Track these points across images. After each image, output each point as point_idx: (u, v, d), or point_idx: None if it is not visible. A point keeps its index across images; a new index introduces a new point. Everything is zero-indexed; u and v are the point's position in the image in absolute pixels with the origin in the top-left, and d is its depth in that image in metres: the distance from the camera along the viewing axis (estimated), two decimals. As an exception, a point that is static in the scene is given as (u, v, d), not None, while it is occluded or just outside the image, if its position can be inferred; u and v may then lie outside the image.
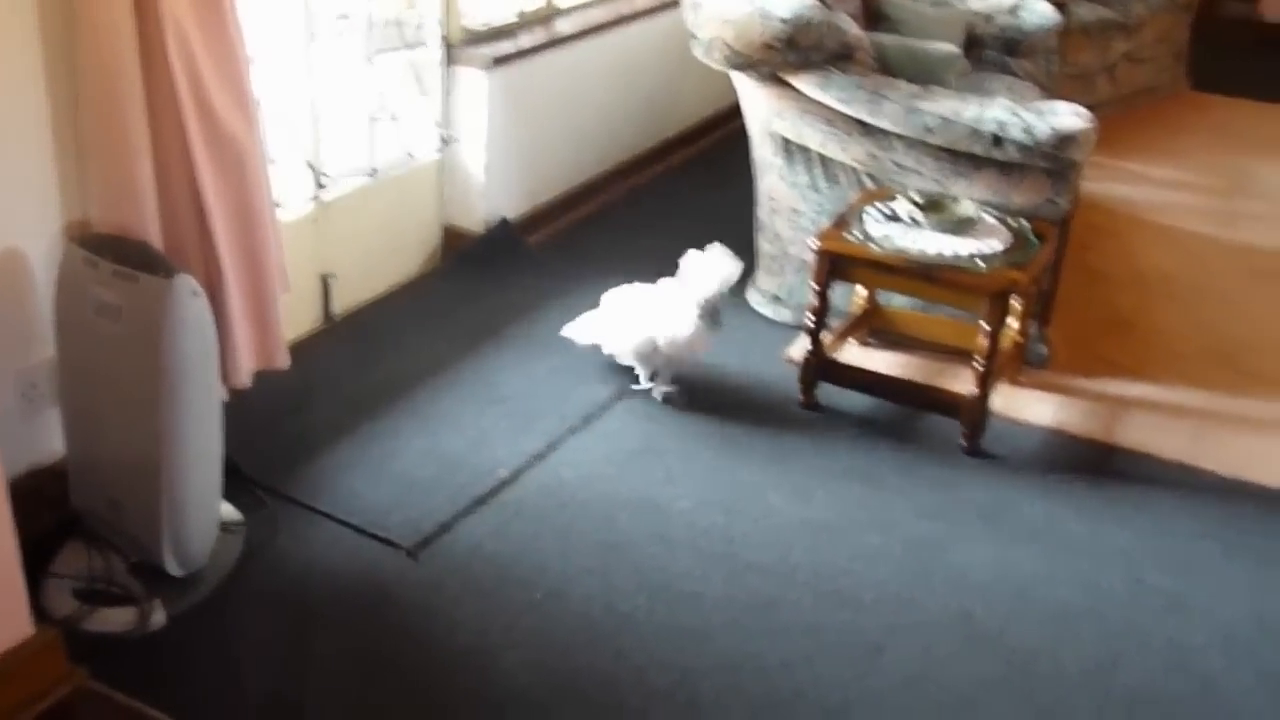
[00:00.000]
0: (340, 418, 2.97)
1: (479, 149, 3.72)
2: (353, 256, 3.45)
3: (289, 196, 3.16)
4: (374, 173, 3.45)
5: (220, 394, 2.42)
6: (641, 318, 3.10)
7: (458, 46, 3.63)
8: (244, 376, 2.53)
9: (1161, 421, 3.12)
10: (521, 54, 3.75)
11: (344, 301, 3.45)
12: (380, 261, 3.58)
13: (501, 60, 3.65)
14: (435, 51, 3.58)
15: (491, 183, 3.80)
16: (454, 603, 2.40)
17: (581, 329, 3.24)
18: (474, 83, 3.65)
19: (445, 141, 3.68)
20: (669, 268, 3.08)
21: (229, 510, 2.56)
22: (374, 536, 2.56)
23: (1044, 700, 2.22)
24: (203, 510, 2.38)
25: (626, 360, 3.16)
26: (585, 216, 4.26)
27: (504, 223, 3.88)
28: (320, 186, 3.27)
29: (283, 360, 2.64)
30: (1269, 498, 2.84)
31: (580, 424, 3.00)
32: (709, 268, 3.03)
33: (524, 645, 2.30)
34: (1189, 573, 2.57)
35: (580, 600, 2.42)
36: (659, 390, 3.11)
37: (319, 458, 2.81)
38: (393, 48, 3.48)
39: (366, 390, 3.10)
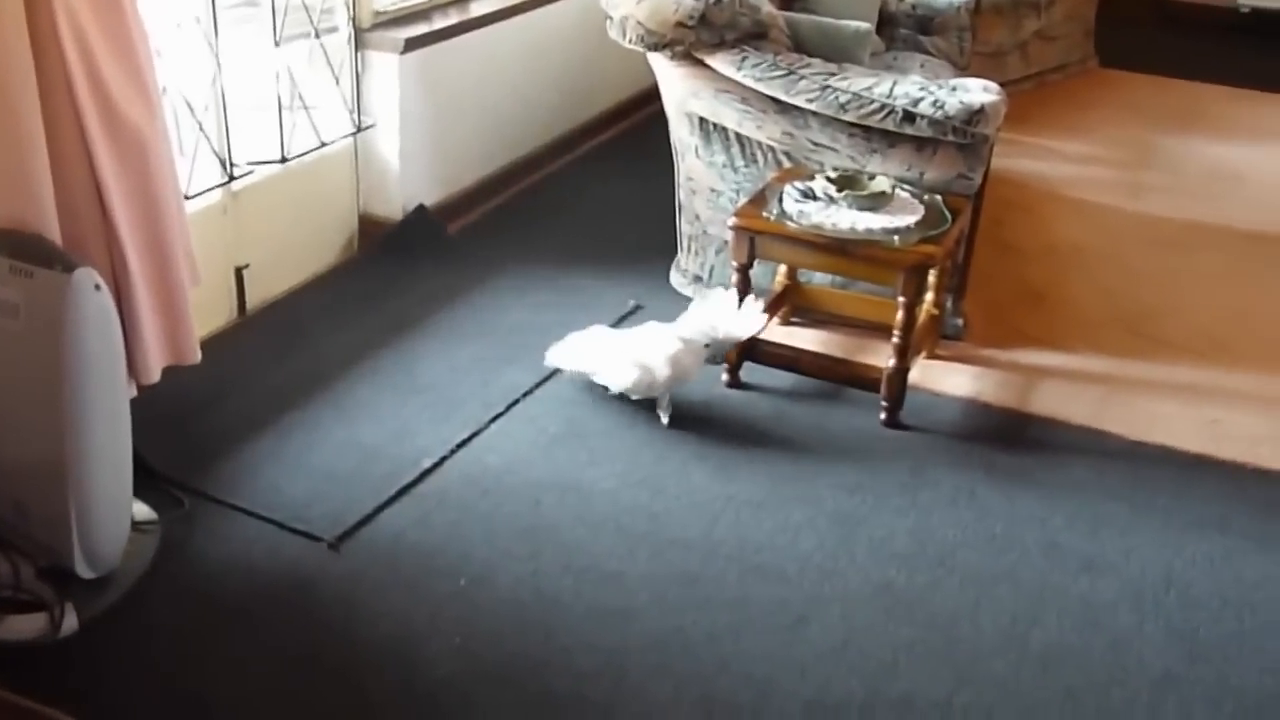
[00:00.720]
0: (257, 412, 2.92)
1: (393, 135, 3.69)
2: (266, 247, 3.40)
3: (198, 187, 3.10)
4: (285, 161, 3.40)
5: (128, 391, 2.37)
6: (636, 346, 2.99)
7: (367, 30, 3.59)
8: (153, 372, 2.47)
9: (1072, 389, 3.19)
10: (434, 37, 3.71)
11: (259, 294, 3.40)
12: (295, 252, 3.53)
13: (414, 43, 3.61)
14: (344, 36, 3.53)
15: (407, 169, 3.76)
16: (378, 594, 2.38)
17: (568, 356, 3.10)
18: (386, 67, 3.61)
19: (358, 128, 3.64)
20: (591, 252, 3.09)
21: (142, 509, 2.51)
22: (294, 530, 2.53)
23: (963, 661, 2.27)
24: (113, 510, 2.33)
25: (620, 389, 3.00)
26: (505, 202, 4.23)
27: (421, 210, 3.84)
28: (230, 176, 3.22)
29: (194, 355, 2.58)
30: (1174, 459, 2.92)
31: (503, 410, 2.99)
32: (731, 320, 2.97)
33: (450, 633, 2.29)
34: (1099, 534, 2.64)
35: (506, 585, 2.42)
36: (665, 415, 2.97)
37: (236, 453, 2.77)
38: (301, 33, 3.43)
39: (284, 383, 3.06)
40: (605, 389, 3.03)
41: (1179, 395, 3.20)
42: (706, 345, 2.94)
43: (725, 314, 2.98)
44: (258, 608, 2.35)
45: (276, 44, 3.32)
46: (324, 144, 3.53)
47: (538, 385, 3.10)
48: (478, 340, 3.30)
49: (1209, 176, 4.72)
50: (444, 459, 2.78)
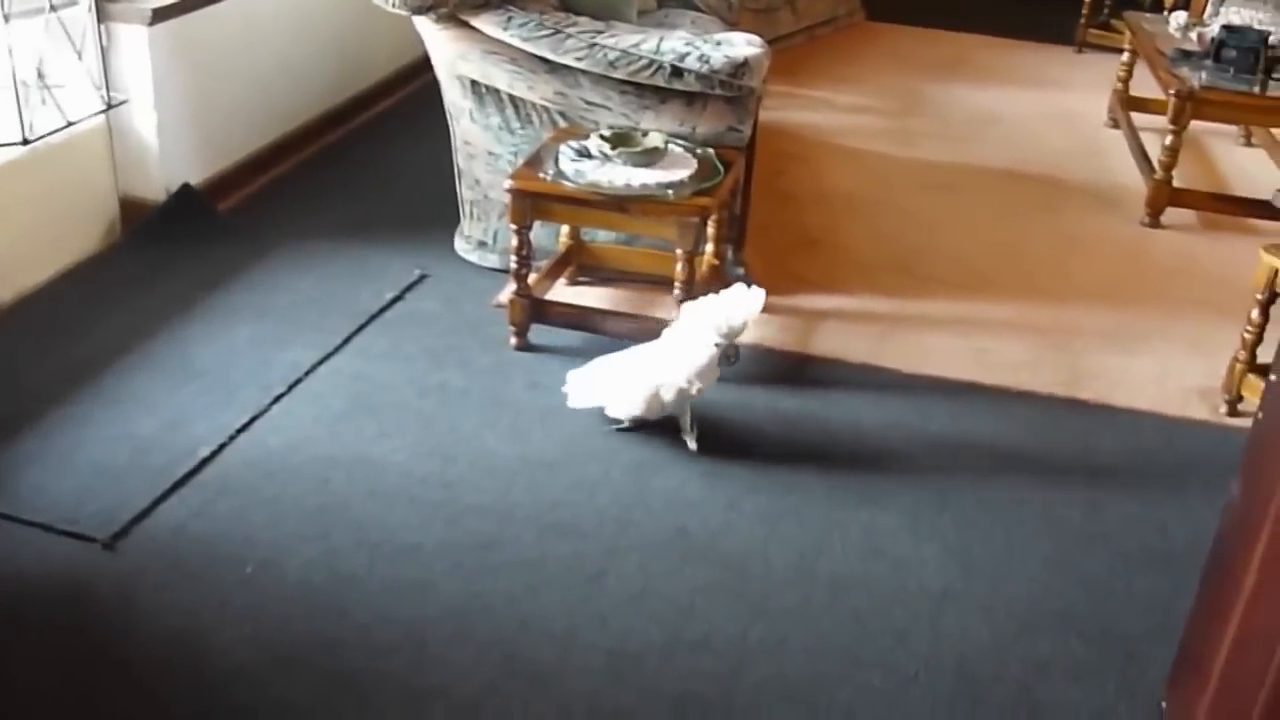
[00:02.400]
0: (18, 410, 2.76)
1: (149, 111, 3.51)
2: (15, 236, 3.19)
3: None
4: (28, 143, 3.18)
5: None
6: (648, 371, 2.77)
7: (111, 1, 3.39)
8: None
9: (850, 328, 3.31)
10: (185, 6, 3.54)
11: (12, 286, 3.19)
12: (49, 240, 3.33)
13: (163, 13, 3.44)
14: (85, 8, 3.33)
15: (167, 147, 3.59)
16: (160, 589, 2.29)
17: (580, 391, 2.86)
18: (134, 40, 3.42)
19: (108, 105, 3.45)
20: (372, 223, 3.01)
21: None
22: (64, 533, 2.40)
23: (755, 597, 2.33)
24: None
25: (638, 414, 2.78)
26: (279, 177, 4.09)
27: (186, 189, 3.67)
28: (-32, 163, 3.01)
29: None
30: (947, 388, 3.07)
31: (285, 390, 2.90)
32: (736, 302, 2.78)
33: (240, 621, 2.22)
34: (880, 465, 2.76)
35: (297, 568, 2.35)
36: (692, 438, 2.79)
37: (-5, 454, 2.61)
38: (36, 7, 3.21)
39: (46, 378, 2.89)
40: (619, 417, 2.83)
41: (949, 328, 3.36)
42: (717, 345, 2.73)
43: (723, 306, 2.77)
44: (31, 615, 2.22)
45: (5, 19, 3.10)
46: (70, 124, 3.32)
47: (320, 362, 3.02)
48: (255, 321, 3.19)
49: (971, 121, 4.95)
50: (223, 445, 2.68)
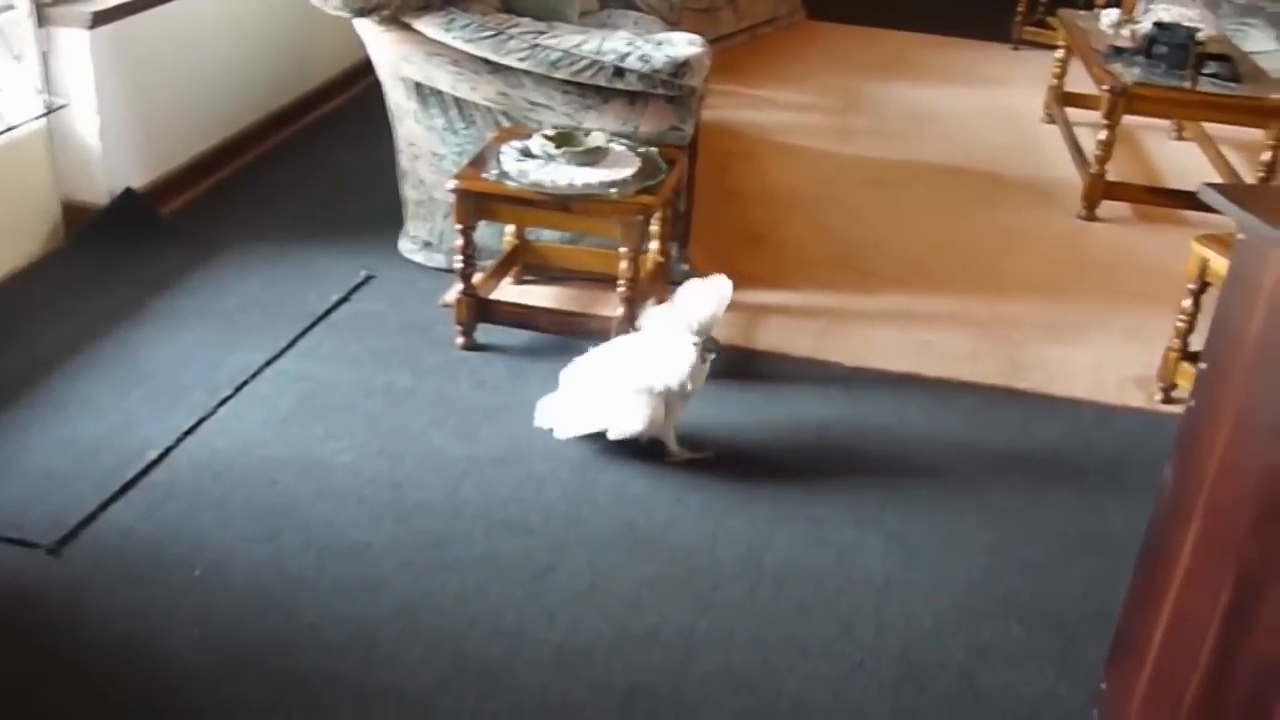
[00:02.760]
0: (-41, 417, 2.74)
1: (91, 116, 3.48)
2: (-46, 243, 3.16)
3: None
4: (-34, 148, 3.17)
5: None
6: (631, 379, 2.68)
7: (50, 6, 3.36)
8: None
9: (794, 323, 3.36)
10: (126, 10, 3.51)
11: (-48, 293, 3.17)
12: (-10, 246, 3.30)
13: (103, 17, 3.41)
14: (24, 11, 3.30)
15: (110, 151, 3.56)
16: (107, 594, 2.28)
17: (565, 420, 2.76)
18: (75, 43, 3.39)
19: (48, 109, 3.41)
20: (317, 225, 3.01)
21: None
22: (9, 539, 2.38)
23: (703, 589, 2.37)
24: None
25: (635, 431, 2.69)
26: (223, 180, 4.07)
27: (129, 193, 3.65)
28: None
29: None
30: (889, 380, 3.13)
31: (232, 393, 2.90)
32: (702, 294, 2.75)
33: (189, 623, 2.22)
34: (823, 455, 2.80)
35: (245, 569, 2.36)
36: (684, 452, 2.74)
37: (-64, 462, 2.59)
38: (-28, 12, 3.19)
39: (-12, 384, 2.87)
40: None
41: (891, 322, 3.41)
42: (695, 343, 2.68)
43: (690, 302, 2.74)
44: (-26, 623, 2.21)
45: (-57, 23, 3.08)
46: (10, 128, 3.29)
47: (267, 364, 3.01)
48: (201, 324, 3.18)
49: (910, 118, 5.03)
50: (171, 448, 2.68)
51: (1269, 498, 1.64)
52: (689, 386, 2.68)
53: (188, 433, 2.73)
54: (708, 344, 2.70)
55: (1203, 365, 1.86)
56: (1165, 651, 1.91)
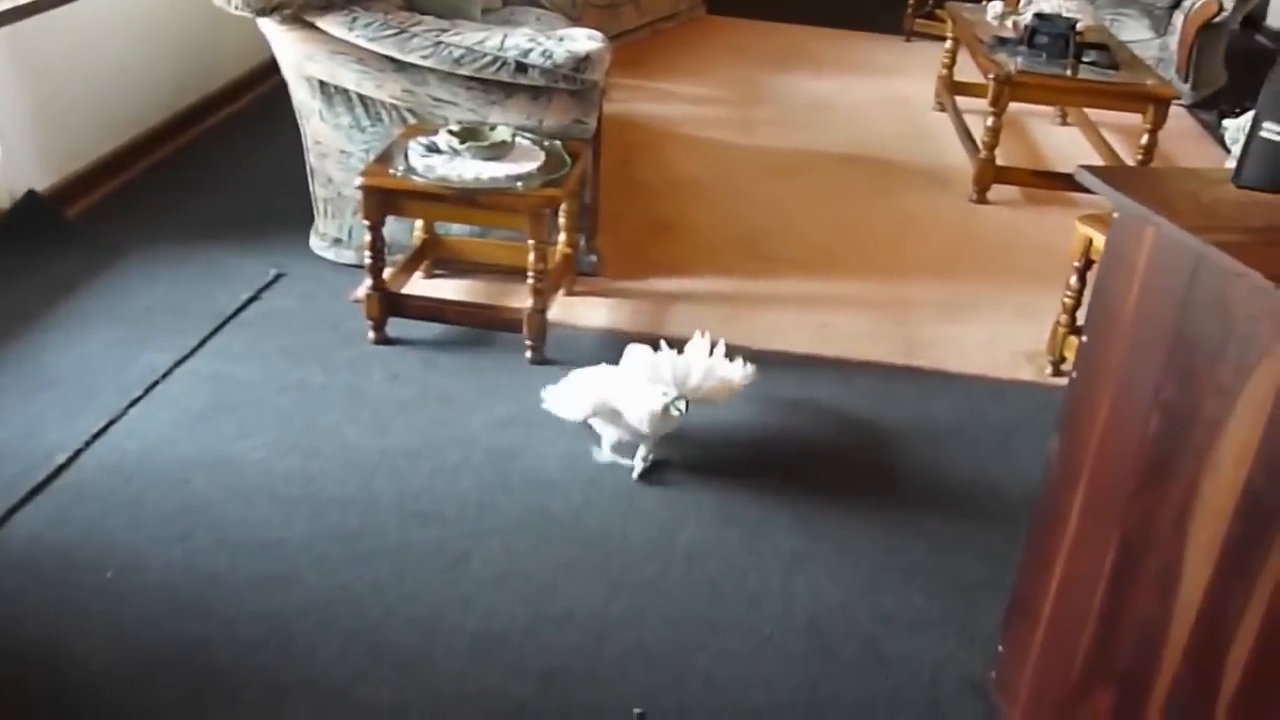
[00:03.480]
0: None
1: (-12, 118, 3.43)
2: None
3: None
4: None
5: None
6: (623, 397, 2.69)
7: (-60, 8, 3.31)
8: None
9: (700, 309, 3.44)
10: (24, 11, 3.46)
11: None
12: (-116, 253, 3.23)
13: (2, 18, 3.35)
14: (-89, 15, 3.25)
15: (10, 153, 3.51)
16: (14, 599, 2.26)
17: (576, 401, 2.76)
18: (-34, 47, 3.35)
19: (-59, 114, 3.36)
20: (226, 224, 2.99)
21: None
22: (-86, 546, 2.36)
23: (616, 571, 2.43)
24: None
25: (641, 429, 2.68)
26: (128, 182, 4.03)
27: (32, 195, 3.59)
28: None
29: None
30: (792, 361, 3.22)
31: (142, 394, 2.89)
32: (706, 365, 2.76)
33: (101, 627, 2.21)
34: (730, 436, 2.88)
35: (158, 570, 2.36)
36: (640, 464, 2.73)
37: None
38: None
39: (-115, 394, 2.82)
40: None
41: (793, 305, 3.51)
42: (665, 394, 2.64)
43: (694, 363, 2.74)
44: (-121, 635, 2.18)
45: None
46: (-99, 133, 3.24)
47: (177, 365, 3.01)
48: (109, 326, 3.16)
49: (809, 109, 5.14)
50: (80, 451, 2.66)
51: (1148, 464, 1.74)
52: (645, 431, 2.67)
53: (97, 435, 2.72)
54: (676, 404, 2.64)
55: (1084, 339, 1.96)
56: (1057, 613, 2.01)
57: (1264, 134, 1.63)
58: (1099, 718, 1.91)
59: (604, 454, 2.77)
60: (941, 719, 2.15)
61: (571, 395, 2.79)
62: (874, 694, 2.19)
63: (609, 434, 2.76)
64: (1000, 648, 2.19)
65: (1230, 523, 1.60)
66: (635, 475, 2.72)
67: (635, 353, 2.78)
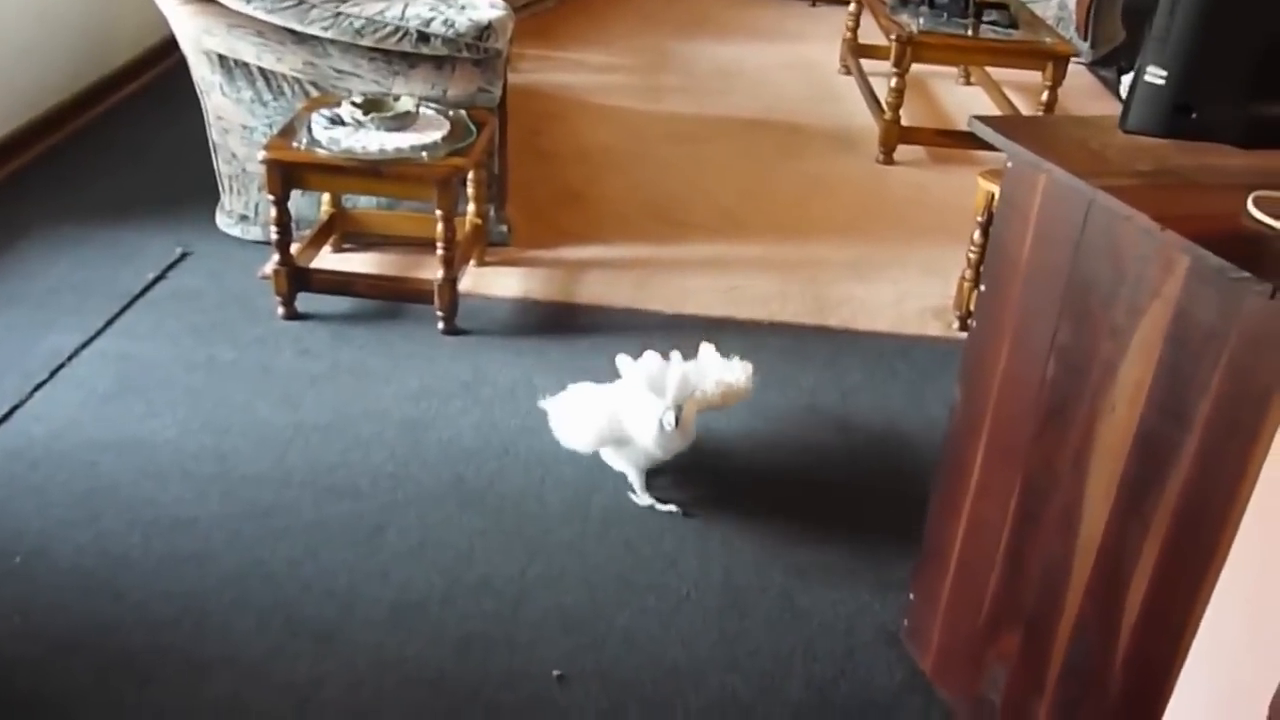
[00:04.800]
0: None
1: None
2: None
3: None
4: None
5: None
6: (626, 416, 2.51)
7: None
8: None
9: (612, 276, 3.44)
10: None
11: None
12: None
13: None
14: None
15: (-108, 138, 3.39)
16: (-80, 587, 2.22)
17: (582, 430, 2.57)
18: None
19: None
20: (130, 204, 2.92)
21: None
22: None
23: (532, 536, 2.44)
24: None
25: (654, 451, 2.50)
26: (26, 164, 3.91)
27: (-83, 180, 3.49)
28: None
29: None
30: (704, 324, 3.23)
31: (46, 377, 2.82)
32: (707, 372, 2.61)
33: (9, 613, 2.17)
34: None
35: (67, 554, 2.31)
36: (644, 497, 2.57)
37: None
38: None
39: None
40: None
41: (704, 269, 3.53)
42: (668, 409, 2.44)
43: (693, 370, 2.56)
44: None
45: None
46: None
47: (82, 347, 2.94)
48: (8, 308, 3.08)
49: (716, 75, 5.16)
50: (-20, 439, 2.60)
51: (1046, 408, 1.79)
52: (659, 454, 2.51)
53: (1, 420, 2.65)
54: (671, 415, 2.44)
55: (982, 288, 2.00)
56: (964, 559, 2.06)
57: (1148, 78, 1.67)
58: (1007, 659, 1.97)
59: (642, 498, 2.56)
60: (857, 669, 2.19)
61: (577, 421, 2.59)
62: (790, 646, 2.22)
63: (628, 469, 2.56)
64: (911, 596, 2.25)
65: (1126, 462, 1.65)
66: (677, 510, 2.54)
67: (628, 365, 2.51)
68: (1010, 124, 2.01)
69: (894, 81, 4.23)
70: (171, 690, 2.04)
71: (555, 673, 2.13)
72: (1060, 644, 1.81)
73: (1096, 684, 1.72)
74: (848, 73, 5.19)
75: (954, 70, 5.20)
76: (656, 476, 2.61)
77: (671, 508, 2.55)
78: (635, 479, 2.57)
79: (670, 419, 2.43)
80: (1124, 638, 1.66)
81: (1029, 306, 1.84)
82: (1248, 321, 1.42)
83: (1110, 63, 5.54)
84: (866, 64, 5.00)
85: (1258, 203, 1.56)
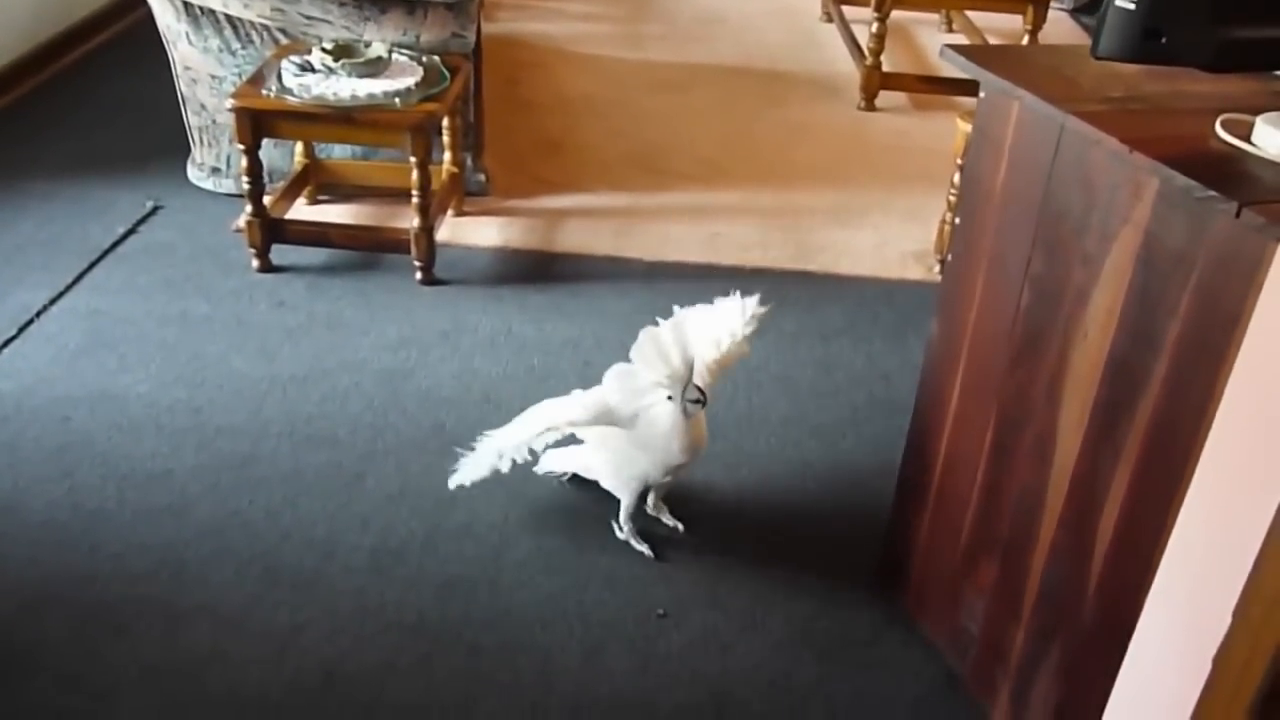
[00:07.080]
0: None
1: None
2: None
3: None
4: None
5: None
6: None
7: None
8: None
9: (593, 224, 3.41)
10: None
11: None
12: None
13: None
14: None
15: None
16: (-109, 545, 2.20)
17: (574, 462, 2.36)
18: None
19: None
20: (98, 158, 2.87)
21: None
22: None
23: (515, 482, 2.41)
24: None
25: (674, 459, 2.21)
26: (-12, 121, 3.87)
27: (-118, 137, 3.44)
28: None
29: None
30: (685, 271, 3.22)
31: (15, 333, 2.79)
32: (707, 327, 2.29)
33: (-16, 570, 2.16)
34: (625, 345, 2.84)
35: (39, 509, 2.29)
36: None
37: None
38: None
39: None
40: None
41: (685, 217, 3.50)
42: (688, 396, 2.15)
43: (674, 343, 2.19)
44: None
45: None
46: None
47: (52, 302, 2.91)
48: (-25, 267, 3.05)
49: (697, 22, 5.10)
50: (-50, 395, 2.58)
51: (1021, 338, 1.78)
52: (683, 459, 2.21)
53: (-32, 378, 2.64)
54: (690, 394, 2.14)
55: (957, 220, 1.99)
56: (942, 492, 2.06)
57: (1118, 4, 1.65)
58: (983, 590, 1.97)
59: (627, 529, 2.30)
60: (836, 605, 2.19)
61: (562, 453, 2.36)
62: (771, 583, 2.22)
63: (622, 493, 2.28)
64: (889, 532, 2.25)
65: (1098, 390, 1.65)
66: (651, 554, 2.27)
67: (612, 376, 2.26)
68: (983, 52, 1.98)
69: (875, 28, 4.18)
70: (149, 640, 2.03)
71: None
72: (1035, 572, 1.81)
73: (1071, 609, 1.72)
74: (829, 20, 5.14)
75: (935, 17, 5.15)
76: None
77: (645, 549, 2.27)
78: (628, 504, 2.28)
79: (694, 395, 2.10)
80: (1097, 563, 1.66)
81: (1003, 236, 1.82)
82: (1214, 242, 1.40)
83: (1092, 10, 5.49)
84: (848, 10, 4.95)
85: (1225, 125, 1.54)
